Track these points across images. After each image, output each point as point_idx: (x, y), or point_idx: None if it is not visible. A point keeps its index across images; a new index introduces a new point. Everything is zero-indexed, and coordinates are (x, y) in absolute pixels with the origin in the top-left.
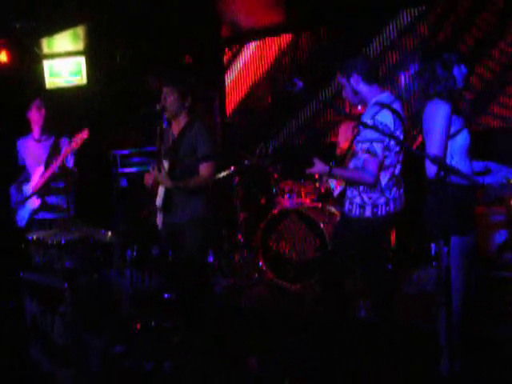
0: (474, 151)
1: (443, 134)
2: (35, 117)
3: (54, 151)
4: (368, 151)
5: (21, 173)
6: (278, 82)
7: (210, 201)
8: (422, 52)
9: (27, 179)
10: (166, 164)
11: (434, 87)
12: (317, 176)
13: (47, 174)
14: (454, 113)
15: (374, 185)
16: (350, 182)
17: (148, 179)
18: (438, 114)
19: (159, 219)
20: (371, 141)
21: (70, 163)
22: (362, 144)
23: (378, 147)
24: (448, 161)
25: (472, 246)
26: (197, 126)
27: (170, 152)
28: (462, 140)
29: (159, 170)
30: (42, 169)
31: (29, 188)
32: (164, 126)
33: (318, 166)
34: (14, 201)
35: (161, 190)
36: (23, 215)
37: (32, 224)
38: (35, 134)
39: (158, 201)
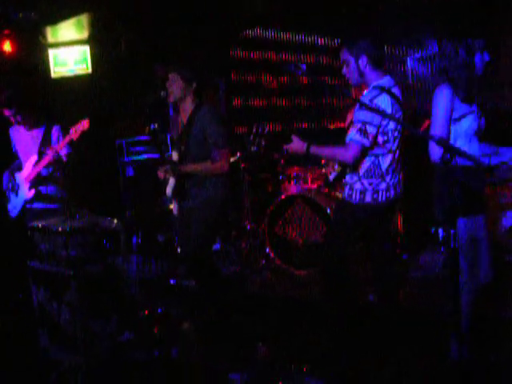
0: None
1: (444, 117)
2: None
3: (46, 140)
4: (359, 131)
5: (13, 160)
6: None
7: (224, 183)
8: (447, 33)
9: (19, 167)
10: (175, 154)
11: (453, 71)
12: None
13: (41, 164)
14: (462, 98)
15: (352, 166)
16: (330, 160)
17: (161, 173)
18: (439, 98)
19: (174, 207)
20: (364, 122)
21: (63, 152)
22: (354, 125)
23: (370, 129)
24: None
25: (481, 227)
26: (204, 110)
27: (179, 141)
28: (467, 124)
29: (169, 162)
30: (34, 158)
31: (21, 176)
32: (170, 115)
33: (296, 143)
34: (5, 188)
35: (171, 180)
36: (15, 205)
37: (25, 214)
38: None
39: (168, 190)
